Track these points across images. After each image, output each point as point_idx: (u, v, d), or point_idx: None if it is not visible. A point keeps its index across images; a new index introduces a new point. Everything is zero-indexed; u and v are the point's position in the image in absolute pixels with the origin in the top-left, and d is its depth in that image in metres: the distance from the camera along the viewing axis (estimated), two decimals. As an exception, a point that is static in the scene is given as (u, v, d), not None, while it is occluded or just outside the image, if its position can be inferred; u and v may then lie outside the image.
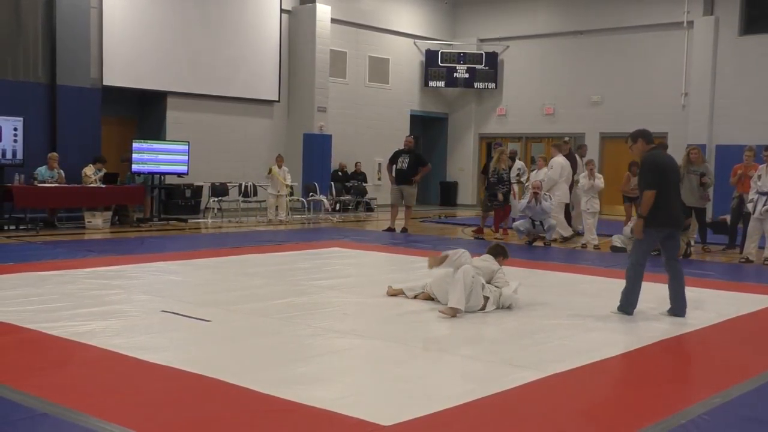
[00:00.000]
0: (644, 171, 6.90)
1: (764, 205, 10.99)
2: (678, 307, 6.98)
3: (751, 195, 11.31)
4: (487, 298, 6.94)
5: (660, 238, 6.97)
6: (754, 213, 11.17)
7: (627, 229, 12.20)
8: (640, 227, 6.85)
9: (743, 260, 11.20)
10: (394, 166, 14.55)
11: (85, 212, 13.83)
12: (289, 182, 16.56)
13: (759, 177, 11.23)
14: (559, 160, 13.70)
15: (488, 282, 7.10)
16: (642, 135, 7.06)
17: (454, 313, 6.64)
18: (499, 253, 7.57)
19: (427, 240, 13.33)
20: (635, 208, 13.10)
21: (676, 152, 16.20)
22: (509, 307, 7.01)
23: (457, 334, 6.18)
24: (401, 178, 14.49)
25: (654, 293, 7.44)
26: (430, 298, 7.25)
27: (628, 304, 6.91)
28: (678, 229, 7.11)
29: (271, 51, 18.88)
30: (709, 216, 13.79)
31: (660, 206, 6.78)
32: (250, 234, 13.87)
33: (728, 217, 12.93)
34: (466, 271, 6.80)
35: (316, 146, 19.29)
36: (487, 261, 7.39)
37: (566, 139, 15.56)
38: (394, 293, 7.58)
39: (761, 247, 11.32)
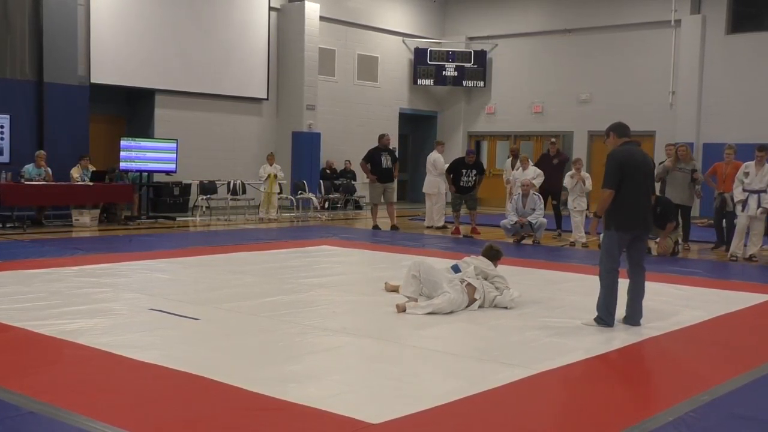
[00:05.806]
0: (606, 168, 6.41)
1: (757, 203, 10.98)
2: (634, 317, 6.52)
3: (737, 194, 11.28)
4: (466, 281, 6.93)
5: (626, 241, 6.46)
6: (744, 211, 11.12)
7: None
8: (595, 226, 6.45)
9: (733, 258, 11.23)
10: (378, 165, 14.48)
11: (72, 210, 13.78)
12: (280, 173, 16.50)
13: (746, 174, 11.20)
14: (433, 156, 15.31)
15: (485, 280, 7.11)
16: (613, 129, 6.60)
17: (402, 306, 6.70)
18: (494, 256, 7.47)
19: (416, 238, 13.34)
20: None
21: (659, 150, 16.37)
22: (505, 308, 6.99)
23: (447, 332, 6.19)
24: (388, 176, 14.57)
25: (652, 293, 7.43)
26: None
27: (608, 315, 6.40)
28: (646, 232, 6.65)
29: (260, 49, 18.83)
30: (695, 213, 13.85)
31: (622, 206, 6.33)
32: (239, 232, 13.84)
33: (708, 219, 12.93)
34: (416, 261, 6.93)
35: (305, 144, 19.26)
36: (482, 262, 7.37)
37: (553, 140, 15.58)
38: (392, 289, 7.57)
39: (745, 245, 11.37)
